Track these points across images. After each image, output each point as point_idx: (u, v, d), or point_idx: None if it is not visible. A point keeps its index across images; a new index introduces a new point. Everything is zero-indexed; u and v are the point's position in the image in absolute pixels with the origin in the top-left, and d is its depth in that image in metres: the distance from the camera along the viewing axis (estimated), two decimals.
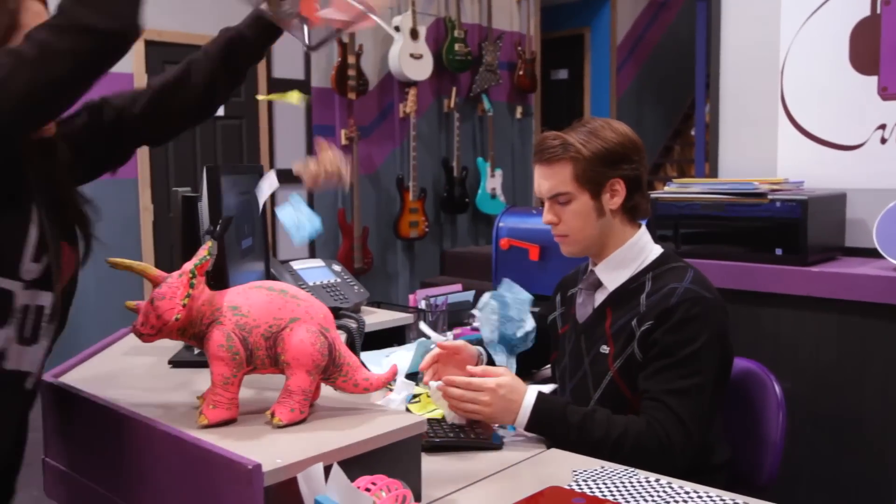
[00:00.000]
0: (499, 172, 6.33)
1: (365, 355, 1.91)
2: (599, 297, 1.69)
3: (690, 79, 6.56)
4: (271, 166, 5.09)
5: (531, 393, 1.51)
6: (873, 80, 2.48)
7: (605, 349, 1.63)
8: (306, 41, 1.49)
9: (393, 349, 2.04)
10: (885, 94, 2.45)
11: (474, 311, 1.81)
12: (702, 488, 1.30)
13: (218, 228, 1.32)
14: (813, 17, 2.57)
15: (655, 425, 1.48)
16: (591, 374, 1.65)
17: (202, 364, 1.60)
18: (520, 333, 1.80)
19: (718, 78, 2.81)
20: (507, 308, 1.80)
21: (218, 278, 1.40)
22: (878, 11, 2.43)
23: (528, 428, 1.51)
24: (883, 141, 2.47)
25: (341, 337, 1.92)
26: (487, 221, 6.48)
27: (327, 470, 1.02)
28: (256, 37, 1.45)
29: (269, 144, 5.10)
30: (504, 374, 1.52)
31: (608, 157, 1.62)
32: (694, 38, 4.46)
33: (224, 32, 1.45)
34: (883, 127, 2.46)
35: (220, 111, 4.78)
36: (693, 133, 7.38)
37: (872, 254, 2.28)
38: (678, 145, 8.46)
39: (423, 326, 2.06)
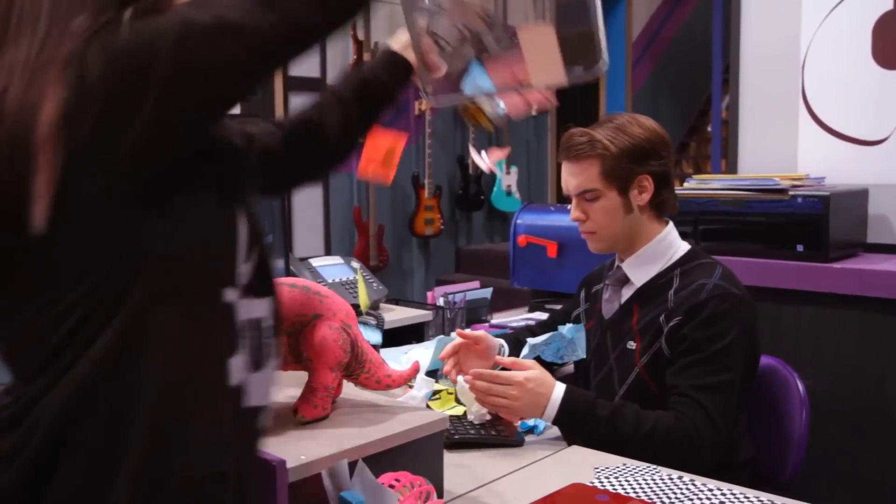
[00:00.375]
0: (514, 170, 6.32)
1: (384, 352, 1.91)
2: (626, 293, 1.69)
3: (706, 75, 6.52)
4: None
5: (559, 387, 1.50)
6: (894, 75, 2.45)
7: (631, 345, 1.62)
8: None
9: (412, 346, 2.04)
10: None
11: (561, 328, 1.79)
12: (725, 485, 1.29)
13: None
14: (834, 11, 2.55)
15: (685, 420, 1.47)
16: (617, 370, 1.65)
17: None
18: (566, 359, 1.80)
19: (738, 73, 2.79)
20: (570, 345, 1.78)
21: None
22: None
23: (556, 421, 1.49)
24: None
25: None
26: (503, 219, 6.46)
27: (351, 466, 1.03)
28: (392, 79, 1.25)
29: None
30: (533, 366, 1.52)
31: (636, 153, 1.61)
32: (710, 33, 4.42)
33: (355, 73, 1.25)
34: None
35: (237, 109, 4.83)
36: (709, 129, 7.34)
37: (895, 250, 2.26)
38: (694, 141, 8.41)
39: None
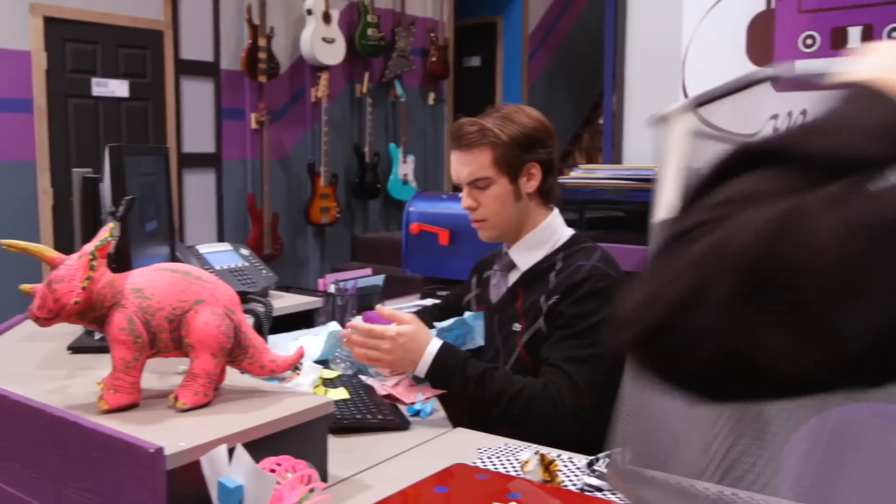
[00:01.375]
0: (411, 158, 6.34)
1: (273, 339, 1.89)
2: (513, 278, 1.74)
3: (600, 68, 6.69)
4: (178, 149, 4.97)
5: (435, 342, 1.54)
6: None
7: (516, 327, 1.68)
8: None
9: (302, 332, 2.03)
10: (779, 85, 2.56)
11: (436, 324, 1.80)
12: (582, 458, 1.34)
13: (120, 210, 1.29)
14: (713, 9, 2.67)
15: (551, 388, 1.53)
16: (503, 352, 1.70)
17: (104, 349, 1.56)
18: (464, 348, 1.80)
19: (624, 67, 2.89)
20: (470, 334, 1.79)
21: (120, 261, 1.37)
22: (773, 6, 2.55)
23: (428, 375, 1.54)
24: (775, 131, 2.58)
25: (249, 321, 1.91)
26: (399, 207, 6.48)
27: (232, 452, 1.02)
28: None
29: (177, 127, 4.97)
30: (411, 321, 1.55)
31: (525, 141, 1.66)
32: (603, 28, 4.55)
33: None
34: (776, 117, 2.57)
35: (125, 92, 4.68)
36: (601, 122, 7.55)
37: None
38: (587, 133, 8.63)
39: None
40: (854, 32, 2.41)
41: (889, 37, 2.36)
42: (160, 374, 1.35)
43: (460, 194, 2.81)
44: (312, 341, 1.94)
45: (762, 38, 2.59)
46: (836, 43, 2.44)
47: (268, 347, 1.28)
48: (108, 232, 1.19)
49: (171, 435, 1.06)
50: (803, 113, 2.53)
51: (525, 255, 1.72)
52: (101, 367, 1.44)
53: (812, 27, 2.48)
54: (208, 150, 5.15)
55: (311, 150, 5.76)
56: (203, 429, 1.10)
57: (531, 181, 1.68)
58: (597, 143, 8.22)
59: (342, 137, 5.98)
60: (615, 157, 2.98)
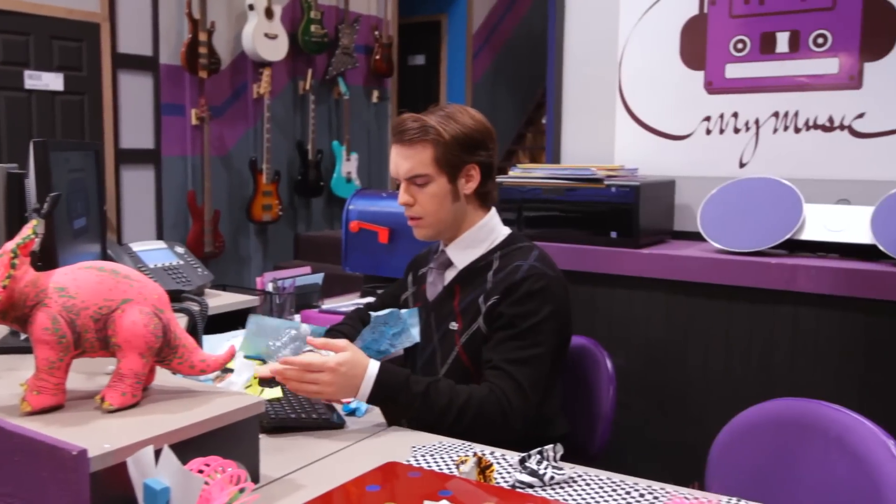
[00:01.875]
0: (354, 156, 6.31)
1: (208, 339, 1.87)
2: (449, 276, 1.74)
3: (543, 68, 6.75)
4: (116, 145, 4.87)
5: (373, 366, 1.50)
6: (700, 74, 2.65)
7: (453, 326, 1.67)
8: None
9: (237, 332, 2.01)
10: (711, 88, 2.63)
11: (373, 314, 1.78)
12: (515, 454, 1.36)
13: (45, 206, 1.27)
14: (648, 12, 2.72)
15: (497, 391, 1.53)
16: (440, 351, 1.69)
17: (29, 350, 1.53)
18: (397, 347, 1.80)
19: (562, 68, 2.92)
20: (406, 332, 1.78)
21: (46, 259, 1.34)
22: (706, 11, 2.60)
23: (371, 400, 1.50)
24: (708, 132, 2.65)
25: (183, 320, 1.88)
26: (342, 205, 6.41)
27: (159, 454, 1.01)
28: None
29: (114, 123, 4.87)
30: (346, 348, 1.50)
31: (467, 141, 1.65)
32: (546, 28, 4.59)
33: None
34: (708, 119, 2.64)
35: (60, 86, 4.56)
36: (544, 121, 7.63)
37: (697, 237, 2.45)
38: (531, 133, 8.70)
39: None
40: (782, 38, 2.48)
41: (815, 42, 2.44)
42: (88, 374, 1.32)
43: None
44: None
45: (695, 42, 2.64)
46: (766, 47, 2.51)
47: (198, 347, 1.26)
48: (30, 229, 1.16)
49: (96, 436, 1.05)
50: (734, 115, 2.60)
51: (462, 254, 1.72)
52: (26, 367, 1.40)
53: (743, 32, 2.54)
54: (147, 146, 5.05)
55: (253, 147, 5.69)
56: (130, 430, 1.09)
57: (469, 182, 1.68)
58: (540, 142, 8.30)
59: (285, 134, 5.93)
60: (553, 156, 3.02)
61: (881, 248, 2.10)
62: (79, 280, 1.17)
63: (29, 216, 1.42)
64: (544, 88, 7.96)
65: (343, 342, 1.52)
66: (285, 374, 1.47)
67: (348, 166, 6.26)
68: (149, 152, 5.06)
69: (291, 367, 1.46)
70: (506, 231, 1.75)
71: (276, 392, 1.57)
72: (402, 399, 1.50)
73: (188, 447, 1.09)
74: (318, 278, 2.51)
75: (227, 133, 5.55)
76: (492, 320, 1.61)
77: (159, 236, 5.09)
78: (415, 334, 1.75)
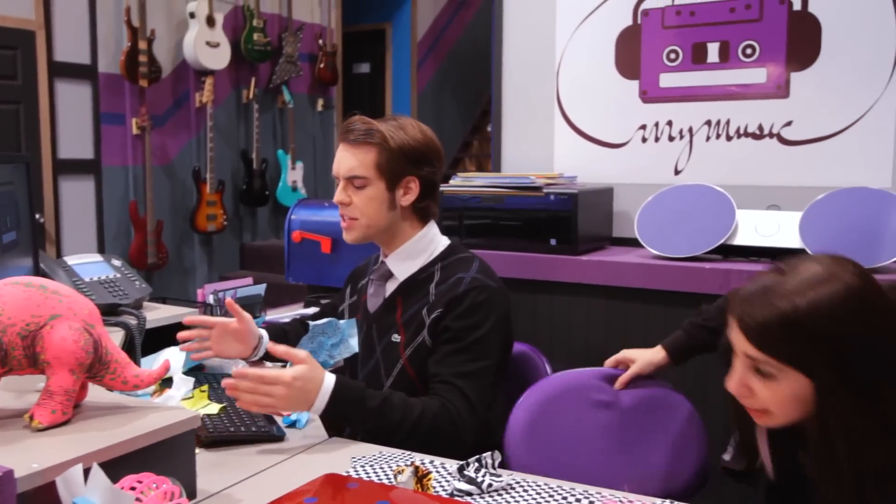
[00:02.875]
0: (300, 165, 6.28)
1: (147, 357, 1.85)
2: (390, 288, 1.74)
3: (488, 76, 6.79)
4: (54, 155, 4.77)
5: (329, 379, 1.47)
6: (635, 83, 2.71)
7: (396, 338, 1.68)
8: None
9: (171, 348, 1.98)
10: (645, 97, 2.69)
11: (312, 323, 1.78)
12: (453, 462, 1.37)
13: None
14: (584, 23, 2.77)
15: (448, 406, 1.54)
16: (384, 363, 1.70)
17: None
18: (336, 357, 1.79)
19: (501, 77, 2.96)
20: (344, 343, 1.78)
21: None
22: (639, 21, 2.66)
23: (325, 414, 1.49)
24: (644, 140, 2.70)
25: (120, 334, 1.86)
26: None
27: (88, 472, 1.00)
28: None
29: (51, 132, 4.77)
30: (305, 360, 1.46)
31: (411, 154, 1.66)
32: (489, 36, 4.63)
33: None
34: (643, 127, 2.70)
35: None
36: (490, 129, 7.69)
37: (636, 243, 2.49)
38: (477, 140, 8.76)
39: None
40: (713, 48, 2.55)
41: (744, 53, 2.51)
42: (17, 392, 1.30)
43: None
44: (178, 354, 1.90)
45: (629, 52, 2.70)
46: (697, 57, 2.57)
47: (132, 362, 1.25)
48: None
49: (24, 456, 1.03)
50: (669, 123, 2.66)
51: (402, 265, 1.72)
52: None
53: (675, 42, 2.60)
54: (86, 157, 4.96)
55: (196, 157, 5.63)
56: (59, 449, 1.07)
57: (407, 195, 1.68)
58: (486, 149, 8.35)
59: (229, 144, 5.87)
60: (498, 164, 3.05)
61: (809, 252, 2.17)
62: (5, 296, 1.15)
63: None
64: (489, 96, 8.02)
65: (304, 353, 1.48)
66: (238, 387, 1.43)
67: (294, 175, 6.23)
68: (88, 162, 4.97)
69: (245, 380, 1.42)
70: (445, 241, 1.76)
71: (212, 407, 1.56)
72: (355, 415, 1.50)
73: (122, 464, 1.08)
74: (260, 289, 2.49)
75: (170, 142, 5.48)
76: (436, 334, 1.62)
77: (100, 248, 5.00)
78: (353, 345, 1.75)
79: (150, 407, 1.27)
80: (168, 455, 1.18)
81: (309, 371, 1.46)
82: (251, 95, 5.91)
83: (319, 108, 6.66)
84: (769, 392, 1.17)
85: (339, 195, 1.68)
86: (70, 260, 2.00)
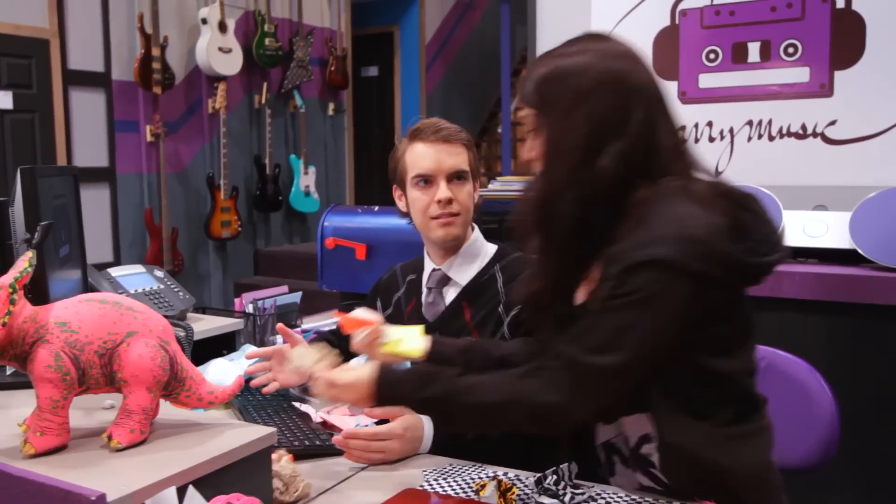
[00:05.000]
0: (312, 170, 6.25)
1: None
2: (450, 294, 1.72)
3: (495, 78, 6.75)
4: (69, 164, 4.73)
5: (427, 423, 1.48)
6: (674, 84, 2.68)
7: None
8: None
9: (218, 360, 1.95)
10: (685, 98, 2.66)
11: None
12: (525, 474, 1.34)
13: (37, 236, 1.21)
14: (620, 24, 2.74)
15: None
16: None
17: (16, 386, 1.47)
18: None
19: None
20: None
21: (36, 291, 1.28)
22: (677, 22, 2.63)
23: (434, 447, 1.49)
24: (696, 140, 2.68)
25: None
26: (301, 219, 6.38)
27: (181, 493, 0.97)
28: None
29: (66, 141, 4.74)
30: (402, 412, 1.46)
31: (477, 156, 1.74)
32: (498, 38, 4.60)
33: None
34: (683, 128, 2.66)
35: (9, 104, 4.42)
36: (499, 131, 7.65)
37: None
38: (485, 142, 8.72)
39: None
40: (753, 48, 2.52)
41: (785, 52, 2.48)
42: (85, 410, 1.27)
43: (376, 208, 2.78)
44: (228, 367, 1.87)
45: (667, 52, 2.67)
46: (738, 57, 2.55)
47: (205, 379, 1.22)
48: (27, 262, 1.11)
49: (109, 478, 1.00)
50: (709, 124, 2.63)
51: (461, 270, 1.71)
52: (15, 405, 1.34)
53: (714, 42, 2.58)
54: (101, 165, 4.93)
55: (209, 163, 5.60)
56: (143, 470, 1.04)
57: (476, 193, 1.73)
58: (495, 151, 8.32)
59: (241, 149, 5.84)
60: (515, 165, 3.02)
61: (861, 252, 2.14)
62: (81, 314, 1.12)
63: (19, 248, 1.35)
64: (498, 98, 7.98)
65: (398, 409, 1.46)
66: (348, 444, 1.42)
67: (306, 180, 6.20)
68: (103, 170, 4.94)
69: (356, 439, 1.42)
70: (493, 245, 1.77)
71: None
72: (457, 440, 1.50)
73: (202, 484, 1.05)
74: (296, 297, 2.46)
75: (183, 149, 5.45)
76: (517, 327, 1.63)
77: (116, 256, 4.97)
78: (406, 364, 1.73)
79: (224, 424, 1.24)
80: (247, 472, 1.15)
81: (412, 417, 1.47)
82: (263, 100, 5.88)
83: (330, 112, 6.63)
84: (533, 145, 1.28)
85: (444, 192, 1.66)
86: (114, 272, 1.97)
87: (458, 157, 1.68)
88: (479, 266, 1.72)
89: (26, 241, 1.21)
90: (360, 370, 1.33)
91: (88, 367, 1.10)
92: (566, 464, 1.29)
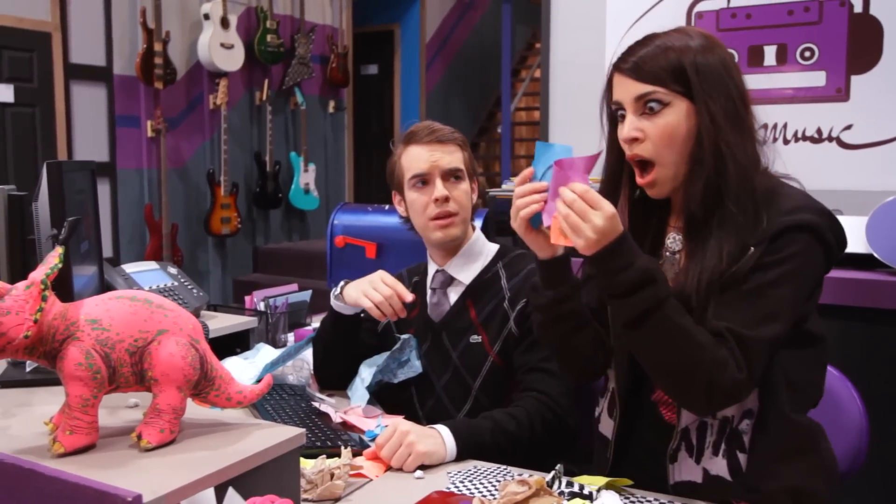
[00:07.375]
0: (312, 167, 6.23)
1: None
2: (454, 293, 1.73)
3: (495, 77, 6.74)
4: (70, 158, 4.70)
5: (445, 431, 1.44)
6: None
7: (475, 338, 1.67)
8: None
9: (233, 357, 1.93)
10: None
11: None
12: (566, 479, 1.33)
13: (64, 232, 1.19)
14: (635, 25, 2.73)
15: (543, 397, 1.55)
16: (466, 367, 1.67)
17: (37, 383, 1.45)
18: (401, 377, 1.75)
19: (548, 80, 2.91)
20: (409, 363, 1.74)
21: (61, 288, 1.26)
22: (693, 24, 2.63)
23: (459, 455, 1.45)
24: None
25: None
26: (300, 217, 6.36)
27: (220, 494, 0.95)
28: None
29: (67, 135, 4.71)
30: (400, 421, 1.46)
31: (472, 156, 1.78)
32: (499, 38, 4.59)
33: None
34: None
35: (10, 97, 4.39)
36: (499, 130, 7.64)
37: None
38: (484, 142, 8.72)
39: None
40: (769, 51, 2.51)
41: (802, 56, 2.48)
42: (110, 408, 1.25)
43: (387, 206, 2.77)
44: (243, 365, 1.86)
45: None
46: (753, 60, 2.54)
47: (234, 378, 1.20)
48: (57, 258, 1.09)
49: (142, 479, 0.98)
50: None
51: (464, 269, 1.72)
52: (38, 402, 1.33)
53: (730, 45, 2.57)
54: (102, 159, 4.90)
55: (210, 159, 5.57)
56: (176, 470, 1.02)
57: (473, 193, 1.74)
58: (493, 151, 8.31)
59: (242, 146, 5.81)
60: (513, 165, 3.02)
61: (877, 256, 2.13)
62: (112, 311, 1.10)
63: (44, 243, 1.34)
64: (497, 97, 7.96)
65: (404, 423, 1.45)
66: (384, 457, 1.40)
67: (306, 177, 6.18)
68: (104, 165, 4.91)
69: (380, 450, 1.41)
70: (493, 245, 1.78)
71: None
72: (482, 449, 1.47)
73: (232, 485, 1.03)
74: (306, 296, 2.45)
75: (184, 145, 5.42)
76: (523, 322, 1.63)
77: (116, 252, 4.94)
78: (417, 365, 1.71)
79: (252, 424, 1.23)
80: (277, 473, 1.14)
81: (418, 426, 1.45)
82: (264, 97, 5.86)
83: (331, 109, 6.61)
84: (654, 127, 1.26)
85: (441, 191, 1.66)
86: (128, 268, 1.95)
87: (452, 157, 1.69)
88: (482, 265, 1.73)
89: (53, 237, 1.19)
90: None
91: (119, 365, 1.09)
92: (559, 466, 1.29)
